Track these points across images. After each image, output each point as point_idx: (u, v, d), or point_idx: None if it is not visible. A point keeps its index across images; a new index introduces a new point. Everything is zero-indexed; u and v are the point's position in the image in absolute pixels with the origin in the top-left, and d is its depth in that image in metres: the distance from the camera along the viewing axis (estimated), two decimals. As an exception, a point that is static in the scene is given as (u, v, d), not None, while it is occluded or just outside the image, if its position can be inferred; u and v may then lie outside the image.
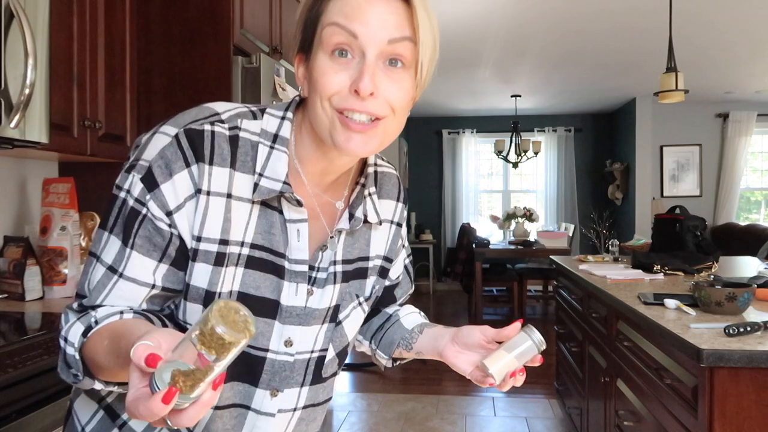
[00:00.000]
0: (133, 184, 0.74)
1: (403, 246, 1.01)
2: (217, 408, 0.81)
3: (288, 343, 0.82)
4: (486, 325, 0.86)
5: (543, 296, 6.91)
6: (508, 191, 8.32)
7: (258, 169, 0.77)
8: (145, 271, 0.75)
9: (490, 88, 6.43)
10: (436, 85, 6.22)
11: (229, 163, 0.75)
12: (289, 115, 0.81)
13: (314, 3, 0.75)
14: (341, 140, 0.73)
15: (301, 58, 0.78)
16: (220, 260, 0.76)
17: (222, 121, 0.76)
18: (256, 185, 0.76)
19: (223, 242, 0.76)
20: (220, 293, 0.77)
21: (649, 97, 6.85)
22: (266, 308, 0.80)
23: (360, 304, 0.89)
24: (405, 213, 0.98)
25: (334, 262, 0.85)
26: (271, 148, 0.78)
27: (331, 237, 0.84)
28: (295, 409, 0.86)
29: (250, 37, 2.37)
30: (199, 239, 0.75)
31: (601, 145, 8.06)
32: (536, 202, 8.15)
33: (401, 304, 1.06)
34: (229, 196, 0.76)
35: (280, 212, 0.79)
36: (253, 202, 0.78)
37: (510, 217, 6.66)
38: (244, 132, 0.77)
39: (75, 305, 0.78)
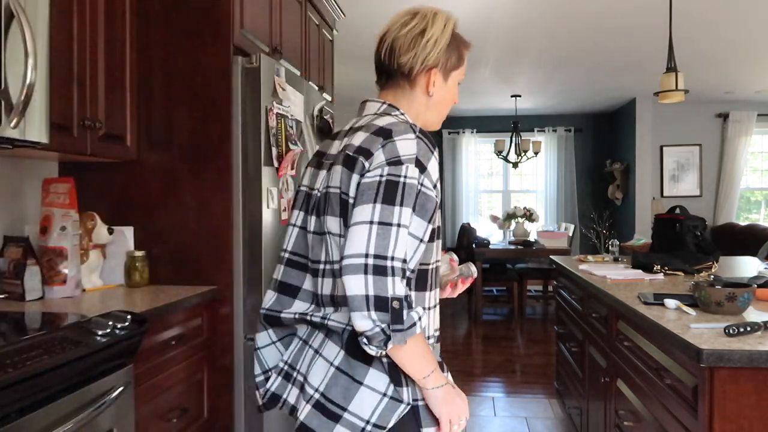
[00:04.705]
0: (408, 169, 1.06)
1: None
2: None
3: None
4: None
5: (543, 296, 6.91)
6: (508, 191, 8.32)
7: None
8: (424, 231, 1.10)
9: (490, 88, 6.43)
10: (436, 85, 6.20)
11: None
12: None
13: (460, 49, 1.28)
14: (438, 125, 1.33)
15: (439, 73, 1.25)
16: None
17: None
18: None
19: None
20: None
21: (649, 97, 6.85)
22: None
23: None
24: None
25: None
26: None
27: None
28: None
29: (250, 37, 2.36)
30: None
31: (601, 145, 8.06)
32: (536, 202, 8.15)
33: None
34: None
35: None
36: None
37: (510, 217, 6.66)
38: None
39: (398, 266, 1.03)
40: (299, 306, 1.23)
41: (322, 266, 1.18)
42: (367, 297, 1.00)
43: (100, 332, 1.46)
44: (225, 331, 2.22)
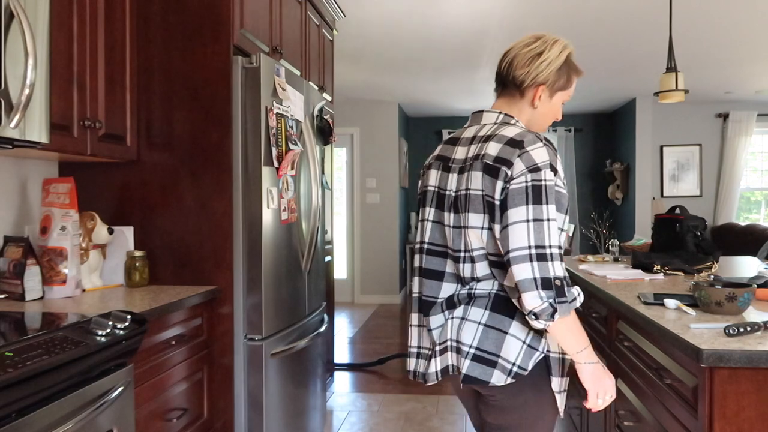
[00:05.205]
0: (546, 173, 1.28)
1: None
2: None
3: None
4: None
5: (543, 296, 6.90)
6: (508, 191, 8.31)
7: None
8: (562, 221, 1.33)
9: (490, 88, 6.43)
10: (436, 85, 6.22)
11: None
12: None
13: (570, 74, 1.47)
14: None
15: (546, 90, 1.45)
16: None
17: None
18: None
19: None
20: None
21: (649, 97, 6.85)
22: None
23: None
24: None
25: None
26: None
27: None
28: None
29: (250, 37, 2.37)
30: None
31: (601, 145, 8.06)
32: (536, 202, 8.14)
33: None
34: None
35: None
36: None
37: (510, 217, 6.64)
38: None
39: (556, 252, 1.27)
40: (448, 288, 1.45)
41: (461, 254, 1.40)
42: (535, 279, 1.24)
43: (100, 332, 1.46)
44: (225, 331, 2.22)
